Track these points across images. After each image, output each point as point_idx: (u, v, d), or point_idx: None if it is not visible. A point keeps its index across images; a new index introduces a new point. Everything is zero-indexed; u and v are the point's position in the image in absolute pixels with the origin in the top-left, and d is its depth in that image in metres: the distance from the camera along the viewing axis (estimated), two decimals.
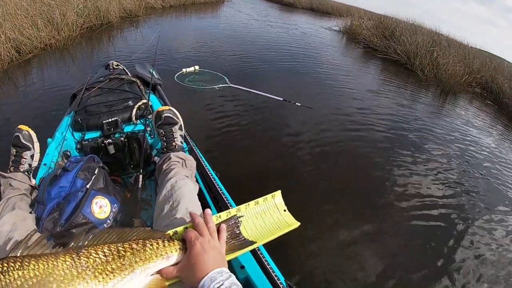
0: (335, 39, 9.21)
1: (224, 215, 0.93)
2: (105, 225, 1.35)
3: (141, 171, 1.62)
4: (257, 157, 3.04)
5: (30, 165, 1.56)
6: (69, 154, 1.82)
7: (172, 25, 9.02)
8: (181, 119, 1.65)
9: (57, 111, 3.58)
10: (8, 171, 1.50)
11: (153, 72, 2.48)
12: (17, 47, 5.60)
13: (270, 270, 1.12)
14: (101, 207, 1.36)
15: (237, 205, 0.99)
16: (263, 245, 1.16)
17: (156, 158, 1.76)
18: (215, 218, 0.92)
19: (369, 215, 2.62)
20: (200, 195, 1.38)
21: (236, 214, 0.94)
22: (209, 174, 1.60)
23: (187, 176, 1.39)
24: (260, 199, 0.99)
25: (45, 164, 1.65)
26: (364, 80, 5.83)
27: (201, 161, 1.67)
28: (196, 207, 1.19)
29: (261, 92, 3.76)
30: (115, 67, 2.53)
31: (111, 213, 1.39)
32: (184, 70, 3.89)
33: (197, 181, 1.53)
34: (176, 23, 9.47)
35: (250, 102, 4.02)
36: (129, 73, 2.44)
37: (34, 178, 1.56)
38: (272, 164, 2.97)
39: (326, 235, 2.32)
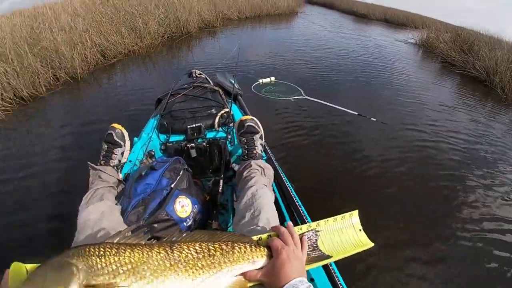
0: (410, 52, 8.77)
1: (305, 227, 0.97)
2: (184, 223, 1.42)
3: (222, 176, 1.69)
4: (330, 171, 3.00)
5: (119, 161, 1.69)
6: (153, 154, 1.95)
7: (247, 36, 9.29)
8: (262, 129, 1.70)
9: (139, 112, 3.89)
10: (99, 164, 1.62)
11: (234, 82, 2.58)
12: (102, 52, 6.21)
13: (340, 287, 1.10)
14: (183, 206, 1.43)
15: (310, 217, 1.01)
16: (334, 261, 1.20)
17: (234, 164, 1.83)
18: (297, 229, 0.95)
19: (436, 236, 2.47)
20: (276, 204, 1.40)
21: (316, 228, 0.97)
22: (286, 185, 1.61)
23: (265, 185, 1.43)
24: (338, 217, 1.02)
25: (130, 161, 1.79)
26: (441, 96, 5.44)
27: (279, 171, 1.70)
28: (275, 217, 1.22)
29: (336, 105, 3.71)
30: (197, 75, 2.67)
31: (192, 213, 1.45)
32: (260, 81, 3.98)
33: (273, 190, 1.56)
34: (251, 34, 9.75)
35: (324, 115, 3.99)
36: (211, 82, 2.56)
37: (120, 173, 1.69)
38: (345, 180, 2.92)
39: (392, 253, 2.24)
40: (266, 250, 0.85)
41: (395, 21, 15.50)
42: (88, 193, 1.41)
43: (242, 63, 5.18)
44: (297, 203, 1.49)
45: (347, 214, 1.02)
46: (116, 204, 1.40)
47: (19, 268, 0.75)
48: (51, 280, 0.66)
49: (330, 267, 1.17)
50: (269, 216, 1.17)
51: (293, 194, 1.55)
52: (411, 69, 6.83)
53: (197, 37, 8.37)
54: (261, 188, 1.35)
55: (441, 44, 8.41)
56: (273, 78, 3.87)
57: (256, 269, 0.82)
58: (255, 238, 0.91)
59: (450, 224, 2.61)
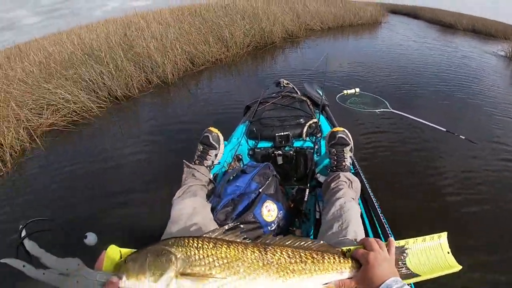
0: (500, 65, 7.83)
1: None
2: (269, 227, 1.47)
3: (308, 185, 1.72)
4: (414, 188, 2.87)
5: (212, 162, 1.80)
6: (241, 158, 2.07)
7: (331, 46, 9.23)
8: (352, 141, 1.69)
9: (223, 117, 4.15)
10: (193, 163, 1.75)
11: (322, 93, 2.60)
12: (191, 59, 6.68)
13: None
14: (269, 211, 1.48)
15: (395, 236, 1.02)
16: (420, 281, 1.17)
17: (319, 175, 1.85)
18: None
19: None
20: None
21: (404, 246, 0.98)
22: (373, 200, 1.59)
23: (353, 198, 1.43)
24: (427, 237, 1.01)
25: (219, 163, 1.90)
26: None
27: (366, 186, 1.68)
28: (362, 231, 1.21)
29: (423, 120, 3.50)
30: (285, 85, 2.75)
31: (276, 218, 1.50)
32: (345, 91, 3.92)
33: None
34: (334, 44, 9.66)
35: (410, 130, 3.85)
36: (298, 92, 2.62)
37: (211, 173, 1.80)
38: (430, 199, 2.76)
39: (481, 276, 2.07)
40: (353, 262, 0.87)
41: (484, 31, 14.08)
42: (182, 188, 1.53)
43: (327, 73, 5.13)
44: (382, 220, 1.47)
45: (435, 235, 1.01)
46: (207, 202, 1.50)
47: (115, 251, 0.84)
48: (150, 264, 0.73)
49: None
50: (356, 230, 1.17)
51: (379, 210, 1.52)
52: (502, 84, 6.15)
53: (280, 47, 8.55)
54: (349, 201, 1.35)
55: None
56: (357, 89, 3.78)
57: (349, 278, 0.84)
58: (344, 249, 0.93)
59: None
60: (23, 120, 4.20)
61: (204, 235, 0.85)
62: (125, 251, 0.85)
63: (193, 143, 3.53)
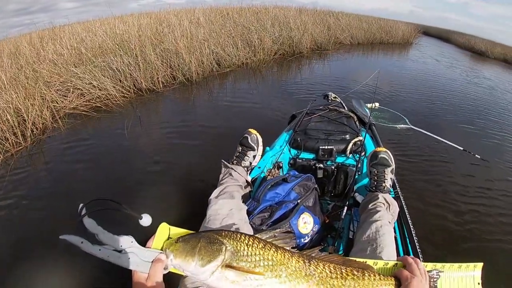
0: None
1: (430, 266, 0.97)
2: (303, 239, 1.44)
3: (347, 203, 1.68)
4: (439, 211, 2.81)
5: (250, 163, 1.78)
6: (281, 165, 2.04)
7: (359, 62, 9.16)
8: (394, 162, 1.65)
9: (240, 123, 4.07)
10: (231, 163, 1.72)
11: (369, 111, 2.55)
12: (217, 61, 6.71)
13: None
14: (306, 223, 1.45)
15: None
16: None
17: (356, 194, 1.81)
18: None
19: None
20: None
21: (440, 269, 0.97)
22: (410, 224, 1.56)
23: (389, 222, 1.40)
24: (464, 265, 0.99)
25: (259, 167, 1.89)
26: None
27: (404, 209, 1.64)
28: (395, 257, 1.19)
29: (442, 138, 3.53)
30: (333, 98, 2.75)
31: (311, 231, 1.47)
32: (366, 105, 3.92)
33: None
34: (362, 60, 9.61)
35: (429, 147, 3.86)
36: (346, 107, 2.59)
37: (249, 175, 1.77)
38: (456, 223, 2.69)
39: None
40: (392, 279, 0.88)
41: None
42: (219, 187, 1.51)
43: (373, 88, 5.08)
44: (417, 245, 1.46)
45: (472, 264, 0.99)
46: (243, 204, 1.48)
47: (165, 229, 0.85)
48: (201, 249, 0.75)
49: None
50: (390, 256, 1.16)
51: (415, 238, 1.49)
52: None
53: (308, 58, 8.55)
54: (386, 225, 1.32)
55: None
56: (377, 104, 3.74)
57: None
58: (381, 262, 0.95)
59: None
60: (48, 100, 4.25)
61: (255, 235, 0.85)
62: (174, 230, 0.87)
63: (210, 143, 3.63)
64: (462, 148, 3.47)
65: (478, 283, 0.98)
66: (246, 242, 0.79)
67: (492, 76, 9.87)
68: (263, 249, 0.79)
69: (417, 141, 3.96)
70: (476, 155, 3.43)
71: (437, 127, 4.47)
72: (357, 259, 0.94)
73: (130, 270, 0.76)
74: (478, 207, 2.91)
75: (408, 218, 1.60)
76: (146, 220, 0.89)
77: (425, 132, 3.76)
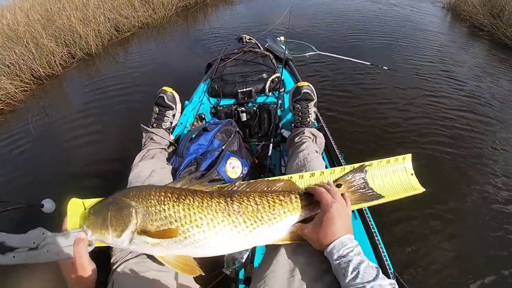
0: (438, 14, 7.69)
1: (348, 168, 0.95)
2: None
3: (271, 140, 1.69)
4: (355, 120, 3.05)
5: (171, 123, 1.70)
6: (203, 117, 1.99)
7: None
8: (316, 96, 1.66)
9: (157, 82, 3.82)
10: (151, 126, 1.65)
11: (285, 47, 2.54)
12: (116, 26, 6.23)
13: (384, 258, 1.10)
14: (234, 168, 1.46)
15: None
16: (379, 231, 1.20)
17: (283, 130, 1.84)
18: (340, 169, 0.95)
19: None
20: None
21: (364, 164, 0.96)
22: (337, 155, 1.59)
23: (316, 151, 1.42)
24: (392, 159, 1.01)
25: (181, 123, 1.83)
26: (462, 59, 4.77)
27: (330, 141, 1.67)
28: None
29: (349, 57, 3.86)
30: (247, 40, 2.66)
31: (241, 174, 1.48)
32: None
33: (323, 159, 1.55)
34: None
35: (339, 69, 4.03)
36: (261, 47, 2.54)
37: (172, 135, 1.71)
38: (372, 126, 2.94)
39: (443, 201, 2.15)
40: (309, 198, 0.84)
41: None
42: (140, 153, 1.45)
43: (265, 27, 4.65)
44: (342, 163, 1.49)
45: (400, 157, 1.01)
46: (167, 164, 1.44)
47: (78, 204, 0.80)
48: (112, 219, 0.72)
49: (376, 238, 1.17)
50: None
51: (344, 164, 1.51)
52: (432, 30, 6.11)
53: (213, 5, 8.09)
54: (312, 153, 1.34)
55: (470, 8, 7.55)
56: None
57: (302, 225, 0.79)
58: (296, 175, 0.94)
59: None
60: None
61: (168, 185, 0.82)
62: (88, 202, 0.80)
63: (126, 112, 3.49)
64: (369, 63, 3.79)
65: (412, 174, 1.00)
66: (157, 198, 0.75)
67: None
68: (177, 201, 0.75)
69: (327, 66, 4.09)
70: (384, 67, 3.77)
71: (345, 49, 4.62)
72: (281, 177, 0.92)
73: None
74: (391, 111, 3.17)
75: (335, 147, 1.64)
76: (48, 206, 0.83)
77: (332, 54, 4.04)
